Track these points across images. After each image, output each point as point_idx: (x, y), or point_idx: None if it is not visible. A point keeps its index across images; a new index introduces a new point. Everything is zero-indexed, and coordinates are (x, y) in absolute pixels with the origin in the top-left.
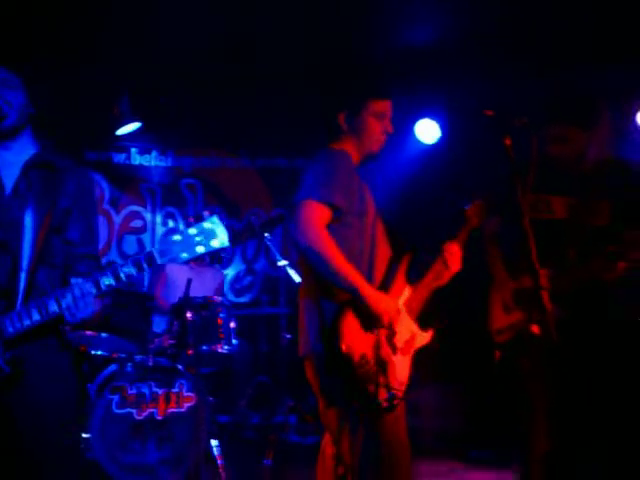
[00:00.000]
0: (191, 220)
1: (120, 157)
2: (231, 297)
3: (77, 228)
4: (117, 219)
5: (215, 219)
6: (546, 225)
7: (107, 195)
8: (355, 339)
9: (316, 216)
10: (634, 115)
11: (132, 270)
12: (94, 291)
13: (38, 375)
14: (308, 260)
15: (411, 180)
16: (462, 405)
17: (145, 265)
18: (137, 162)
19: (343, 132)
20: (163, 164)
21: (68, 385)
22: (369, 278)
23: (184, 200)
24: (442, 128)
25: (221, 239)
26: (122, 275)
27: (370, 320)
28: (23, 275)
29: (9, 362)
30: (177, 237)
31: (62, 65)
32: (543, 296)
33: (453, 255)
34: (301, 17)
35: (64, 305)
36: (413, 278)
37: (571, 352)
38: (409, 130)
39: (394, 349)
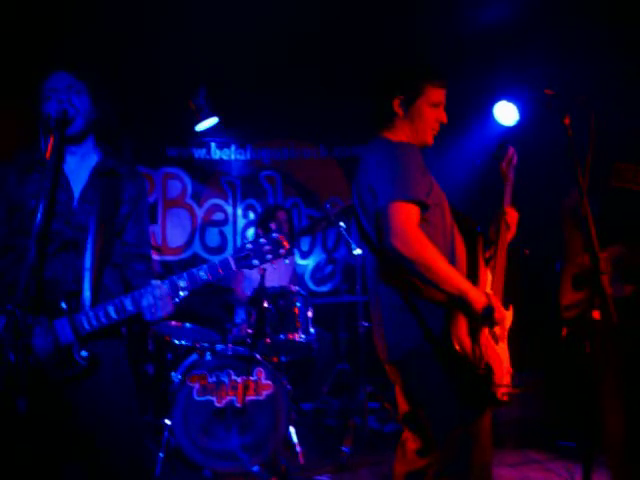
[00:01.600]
0: (260, 232)
1: (200, 152)
2: (312, 286)
3: (134, 231)
4: (199, 212)
5: (281, 232)
6: (631, 196)
7: (189, 189)
8: (465, 339)
9: (410, 219)
10: None
11: (207, 275)
12: (171, 292)
13: (104, 369)
14: (409, 270)
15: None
16: (543, 393)
17: (220, 271)
18: (217, 156)
19: (396, 119)
20: (242, 157)
21: (124, 373)
22: None
23: (264, 192)
24: (520, 111)
25: (286, 248)
26: (197, 279)
27: (476, 321)
28: (87, 274)
29: (86, 359)
30: (249, 246)
31: (140, 64)
32: (603, 280)
33: (510, 215)
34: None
35: (145, 304)
36: (488, 259)
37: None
38: (488, 112)
39: (496, 340)
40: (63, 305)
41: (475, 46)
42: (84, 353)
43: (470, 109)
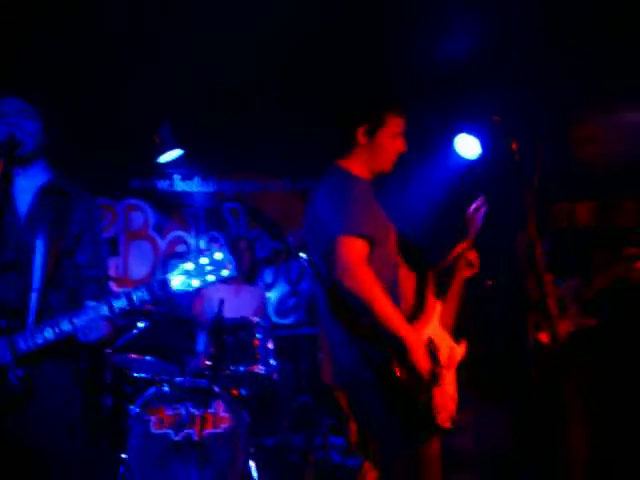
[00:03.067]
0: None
1: (164, 184)
2: (276, 319)
3: (86, 252)
4: (162, 244)
5: (224, 251)
6: (570, 234)
7: (152, 221)
8: (404, 372)
9: (357, 254)
10: None
11: (145, 295)
12: (108, 314)
13: (46, 390)
14: (353, 304)
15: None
16: (506, 423)
17: (158, 291)
18: (180, 188)
19: (356, 147)
20: (205, 189)
21: (72, 398)
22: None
23: (227, 224)
24: (482, 143)
25: (229, 269)
26: (135, 299)
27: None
28: (34, 295)
29: (21, 379)
30: (190, 265)
31: (104, 94)
32: (548, 303)
33: (472, 255)
34: (334, 41)
35: (78, 325)
36: (440, 291)
37: (610, 359)
38: (449, 145)
39: (440, 366)
40: (3, 324)
41: (437, 79)
42: (19, 372)
43: (432, 141)
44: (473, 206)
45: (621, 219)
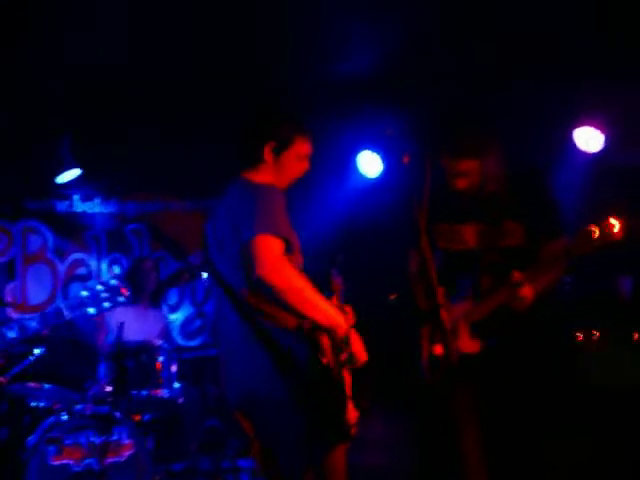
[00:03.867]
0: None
1: (62, 205)
2: (181, 341)
3: None
4: (62, 267)
5: (120, 277)
6: (460, 255)
7: (50, 244)
8: (331, 361)
9: (276, 251)
10: (570, 133)
11: (39, 325)
12: None
13: None
14: (279, 298)
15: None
16: (413, 438)
17: (52, 320)
18: (80, 209)
19: (262, 164)
20: (107, 210)
21: None
22: None
23: (129, 246)
24: (384, 161)
25: (125, 295)
26: (28, 329)
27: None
28: None
29: None
30: (85, 293)
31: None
32: (441, 314)
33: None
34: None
35: None
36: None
37: (490, 383)
38: (352, 163)
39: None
40: None
41: (340, 97)
42: None
43: (334, 160)
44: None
45: (505, 240)
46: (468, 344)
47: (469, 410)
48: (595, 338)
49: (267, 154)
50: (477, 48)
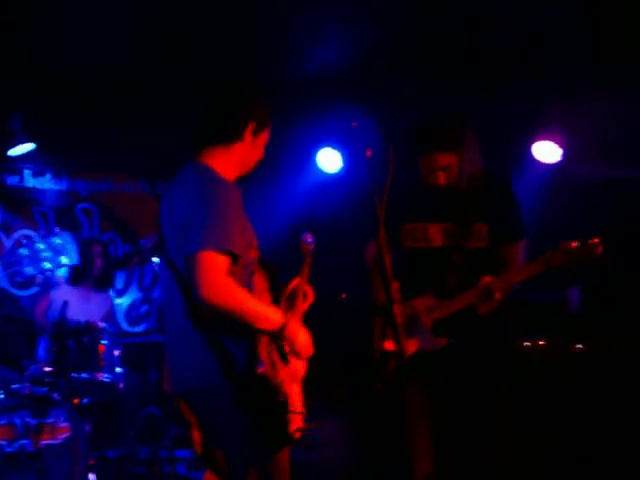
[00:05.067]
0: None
1: (13, 179)
2: (126, 326)
3: None
4: (7, 243)
5: (66, 235)
6: (425, 254)
7: None
8: (268, 366)
9: (219, 269)
10: (530, 146)
11: None
12: None
13: None
14: (224, 317)
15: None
16: (357, 437)
17: None
18: (30, 184)
19: (236, 143)
20: (58, 187)
21: None
22: None
23: (79, 225)
24: (344, 157)
25: (70, 256)
26: None
27: (284, 350)
28: None
29: None
30: (24, 251)
31: None
32: (394, 309)
33: (308, 290)
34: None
35: None
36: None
37: (447, 381)
38: (311, 159)
39: (293, 379)
40: None
41: (300, 93)
42: None
43: (294, 155)
44: (306, 242)
45: (471, 242)
46: (428, 341)
47: (419, 406)
48: (540, 347)
49: (248, 133)
50: (440, 61)
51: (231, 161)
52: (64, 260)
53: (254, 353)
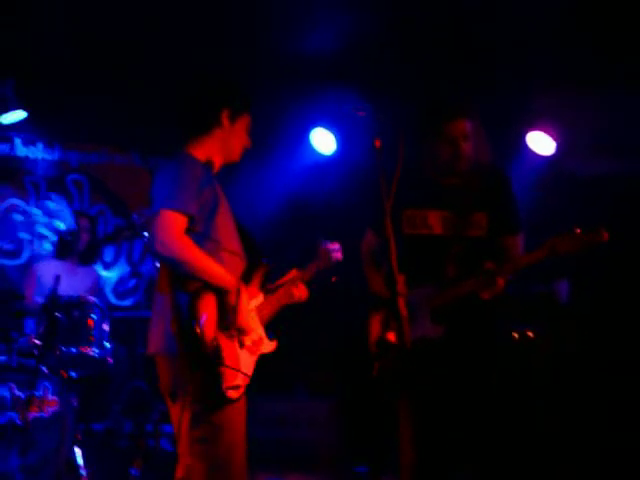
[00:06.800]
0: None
1: (4, 147)
2: (114, 300)
3: None
4: None
5: (61, 200)
6: (424, 241)
7: None
8: (209, 324)
9: (172, 224)
10: (524, 136)
11: None
12: None
13: None
14: (172, 269)
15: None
16: (337, 418)
17: None
18: (22, 153)
19: (210, 132)
20: (49, 157)
21: None
22: None
23: (70, 196)
24: (338, 138)
25: (66, 221)
26: None
27: (227, 309)
28: None
29: None
30: (18, 217)
31: None
32: (399, 302)
33: (301, 285)
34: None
35: None
36: (267, 288)
37: (444, 370)
38: (305, 140)
39: (241, 345)
40: None
41: (295, 73)
42: None
43: (289, 136)
44: (330, 246)
45: (471, 231)
46: (428, 329)
47: (413, 394)
48: (529, 338)
49: (225, 119)
50: (434, 49)
51: (213, 148)
52: (59, 225)
53: (194, 312)
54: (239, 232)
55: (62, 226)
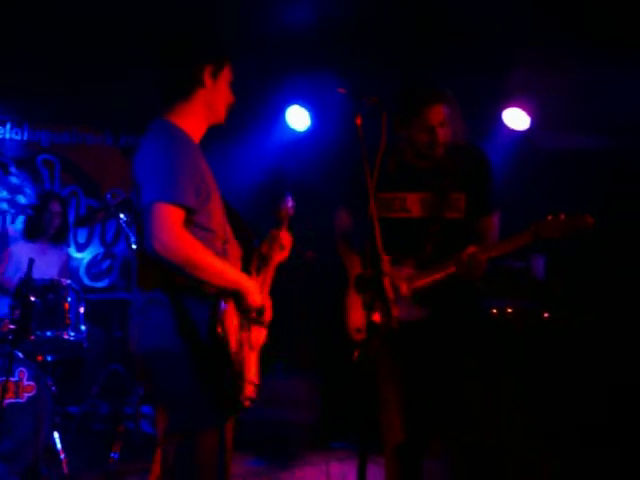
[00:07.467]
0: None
1: None
2: (87, 281)
3: None
4: None
5: (23, 175)
6: (402, 224)
7: None
8: (231, 330)
9: (172, 221)
10: (500, 113)
11: None
12: None
13: None
14: (176, 271)
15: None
16: (320, 396)
17: None
18: None
19: (198, 91)
20: (18, 137)
21: None
22: None
23: (40, 177)
24: (312, 115)
25: (27, 196)
26: None
27: (244, 313)
28: None
29: None
30: None
31: None
32: (385, 282)
33: (285, 239)
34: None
35: None
36: (261, 256)
37: (427, 350)
38: (281, 116)
39: (251, 347)
40: None
41: (271, 48)
42: None
43: (263, 112)
44: (285, 203)
45: (449, 212)
46: (408, 311)
47: (394, 374)
48: (508, 314)
49: (208, 78)
50: (409, 26)
51: (198, 111)
52: (21, 199)
53: (216, 312)
54: (227, 213)
55: (23, 200)
